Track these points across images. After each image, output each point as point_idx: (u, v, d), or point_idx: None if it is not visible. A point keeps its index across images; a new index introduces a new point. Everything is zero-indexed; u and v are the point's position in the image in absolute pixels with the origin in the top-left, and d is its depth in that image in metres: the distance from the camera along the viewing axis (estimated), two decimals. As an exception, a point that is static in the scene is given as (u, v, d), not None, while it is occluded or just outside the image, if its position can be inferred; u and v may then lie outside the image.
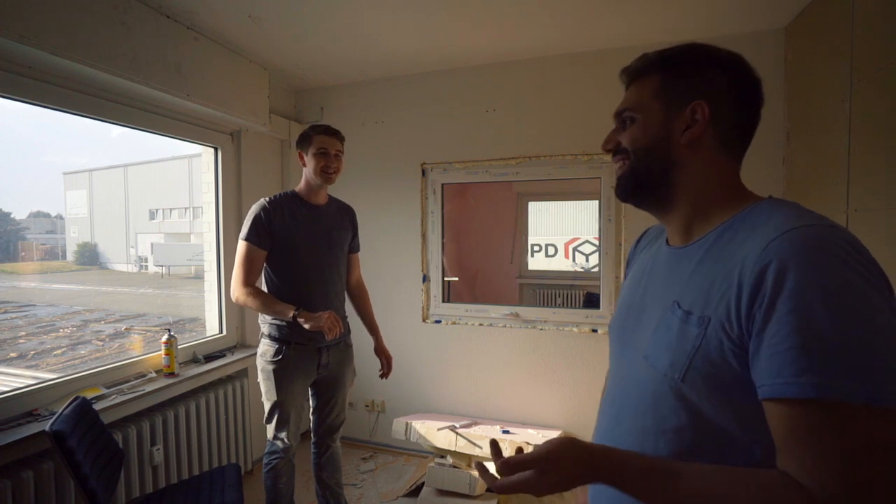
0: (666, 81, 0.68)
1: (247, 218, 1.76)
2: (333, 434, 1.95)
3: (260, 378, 1.79)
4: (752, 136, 0.68)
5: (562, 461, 0.57)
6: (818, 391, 0.47)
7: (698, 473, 0.54)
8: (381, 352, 2.05)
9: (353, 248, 2.03)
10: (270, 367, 1.74)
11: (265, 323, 1.79)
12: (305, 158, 1.79)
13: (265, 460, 1.82)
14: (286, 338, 1.75)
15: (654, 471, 0.56)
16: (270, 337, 1.77)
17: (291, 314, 1.64)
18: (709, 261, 0.62)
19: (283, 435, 1.77)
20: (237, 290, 1.72)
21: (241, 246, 1.74)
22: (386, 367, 2.02)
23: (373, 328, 2.09)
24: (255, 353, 1.83)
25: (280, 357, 1.74)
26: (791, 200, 0.62)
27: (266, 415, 1.79)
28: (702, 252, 0.64)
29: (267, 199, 1.78)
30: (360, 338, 2.87)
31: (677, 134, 0.66)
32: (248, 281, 1.72)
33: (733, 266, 0.57)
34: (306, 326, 1.61)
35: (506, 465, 0.58)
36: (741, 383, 0.55)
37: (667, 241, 0.75)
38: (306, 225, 1.79)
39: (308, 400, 1.93)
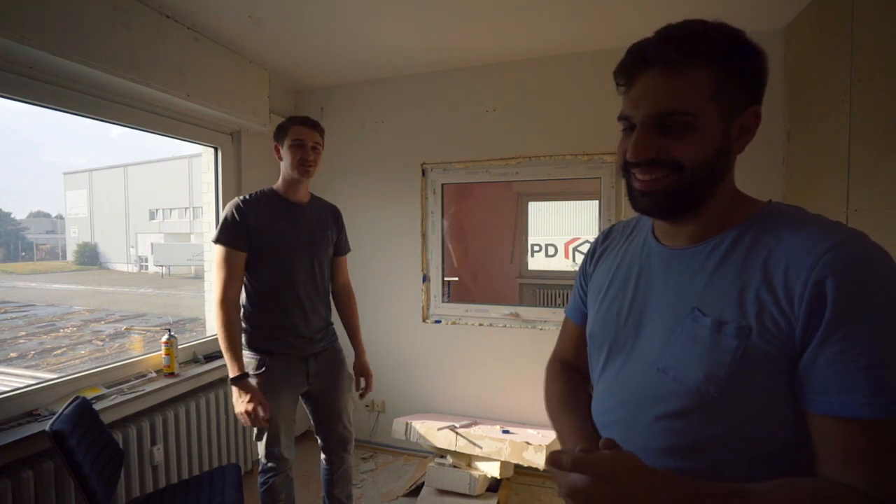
0: (721, 78, 0.57)
1: (221, 217, 1.64)
2: (346, 447, 1.85)
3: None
4: None
5: (622, 479, 0.49)
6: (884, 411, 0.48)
7: (766, 492, 0.51)
8: (362, 370, 1.90)
9: (340, 249, 1.89)
10: (254, 382, 1.60)
11: (244, 332, 1.66)
12: (282, 151, 1.68)
13: (260, 479, 1.69)
14: (269, 348, 1.64)
15: (726, 495, 0.50)
16: (251, 348, 1.64)
17: (234, 375, 1.54)
18: (732, 266, 0.59)
19: (276, 451, 1.66)
20: (216, 307, 1.58)
21: (217, 249, 1.60)
22: (365, 387, 1.89)
23: (356, 341, 1.94)
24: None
25: (263, 370, 1.62)
26: (792, 205, 0.62)
27: (255, 432, 1.67)
28: (718, 255, 0.61)
29: (241, 197, 1.66)
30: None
31: (733, 142, 0.59)
32: (229, 294, 1.58)
33: (770, 275, 0.55)
34: (235, 396, 1.54)
35: (562, 458, 0.51)
36: (779, 393, 0.55)
37: (656, 239, 0.70)
38: (285, 224, 1.67)
39: (296, 411, 1.81)
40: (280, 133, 1.69)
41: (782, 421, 0.55)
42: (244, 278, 1.65)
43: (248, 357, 1.64)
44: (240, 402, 1.54)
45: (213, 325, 2.51)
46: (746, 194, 0.66)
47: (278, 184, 1.72)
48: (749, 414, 0.56)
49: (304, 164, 1.65)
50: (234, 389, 1.55)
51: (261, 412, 1.54)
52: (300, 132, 1.65)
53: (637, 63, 0.60)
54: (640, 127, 0.60)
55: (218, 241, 1.59)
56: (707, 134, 0.57)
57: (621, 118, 0.64)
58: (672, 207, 0.62)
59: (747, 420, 0.56)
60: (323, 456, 1.86)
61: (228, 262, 1.59)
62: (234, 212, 1.61)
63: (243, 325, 1.66)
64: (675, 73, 0.57)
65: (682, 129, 0.58)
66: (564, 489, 0.51)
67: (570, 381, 0.84)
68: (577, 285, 0.86)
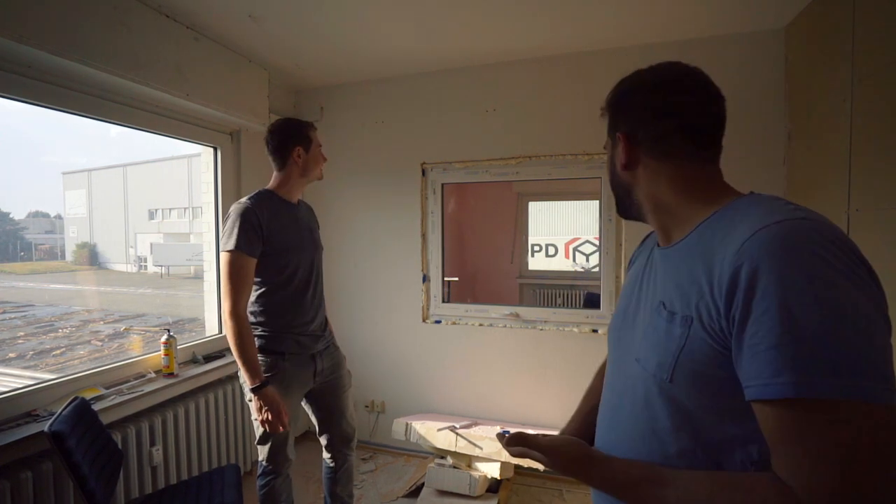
0: (609, 120, 0.77)
1: (230, 223, 1.54)
2: (350, 443, 1.85)
3: (250, 397, 1.57)
4: (702, 134, 0.68)
5: (562, 457, 0.68)
6: (796, 390, 0.47)
7: (686, 480, 0.57)
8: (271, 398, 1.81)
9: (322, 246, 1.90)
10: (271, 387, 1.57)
11: (255, 336, 1.62)
12: (304, 156, 1.66)
13: (260, 482, 1.66)
14: (280, 349, 1.62)
15: (644, 480, 0.60)
16: (261, 350, 1.60)
17: (254, 385, 1.51)
18: (689, 259, 0.63)
19: (283, 453, 1.65)
20: (228, 318, 1.50)
21: (230, 257, 1.50)
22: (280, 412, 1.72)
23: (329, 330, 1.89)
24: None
25: (275, 371, 1.60)
26: (771, 195, 0.61)
27: (260, 436, 1.63)
28: (684, 251, 0.65)
29: (247, 200, 1.58)
30: (355, 338, 2.88)
31: (618, 163, 0.74)
32: (242, 304, 1.52)
33: (710, 266, 0.57)
34: (257, 405, 1.51)
35: (519, 439, 0.72)
36: (729, 382, 0.54)
37: (658, 242, 0.76)
38: (290, 225, 1.65)
39: (305, 408, 1.83)
40: (301, 137, 1.66)
41: (739, 412, 0.55)
42: (254, 280, 1.62)
43: (259, 359, 1.61)
44: (263, 411, 1.51)
45: (212, 326, 2.52)
46: (729, 188, 0.68)
47: (276, 184, 1.69)
48: (703, 403, 0.58)
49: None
50: (255, 399, 1.52)
51: (284, 420, 1.54)
52: (318, 137, 1.71)
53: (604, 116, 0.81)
54: None
55: (238, 247, 1.50)
56: (608, 161, 0.79)
57: None
58: (619, 212, 0.81)
59: (701, 408, 0.58)
60: (326, 454, 1.86)
61: (242, 271, 1.52)
62: (249, 216, 1.53)
63: (254, 328, 1.63)
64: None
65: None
66: (523, 455, 0.72)
67: (600, 374, 0.96)
68: None
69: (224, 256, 1.53)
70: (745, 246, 0.53)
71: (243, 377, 1.56)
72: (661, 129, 0.69)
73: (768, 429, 0.51)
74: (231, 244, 1.51)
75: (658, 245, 0.75)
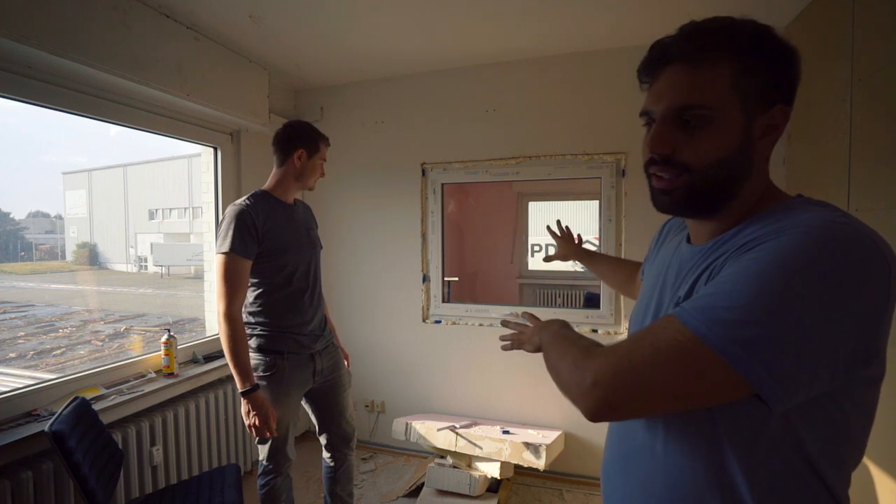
0: (744, 73, 0.55)
1: (225, 225, 1.53)
2: (349, 442, 1.86)
3: None
4: None
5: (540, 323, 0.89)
6: (678, 311, 0.52)
7: (573, 336, 0.69)
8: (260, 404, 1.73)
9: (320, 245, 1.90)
10: (263, 384, 1.59)
11: (251, 335, 1.62)
12: (304, 161, 1.66)
13: (260, 481, 1.67)
14: (279, 348, 1.62)
15: (562, 331, 0.74)
16: (260, 349, 1.61)
17: (244, 389, 1.50)
18: (714, 254, 0.59)
19: (283, 452, 1.66)
20: (222, 320, 1.50)
21: (225, 260, 1.50)
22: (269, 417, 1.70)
23: (330, 324, 1.90)
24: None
25: (273, 371, 1.60)
26: (820, 201, 0.57)
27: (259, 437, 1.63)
28: (716, 251, 0.60)
29: (244, 202, 1.57)
30: (355, 338, 2.88)
31: (755, 140, 0.57)
32: (236, 306, 1.52)
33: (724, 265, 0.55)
34: (245, 409, 1.51)
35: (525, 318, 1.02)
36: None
37: (688, 238, 0.70)
38: (287, 226, 1.65)
39: (305, 408, 1.83)
40: (309, 142, 1.67)
41: (749, 405, 0.54)
42: (251, 281, 1.61)
43: (258, 359, 1.61)
44: (251, 416, 1.52)
45: (213, 326, 2.52)
46: (779, 191, 0.63)
47: (272, 185, 1.69)
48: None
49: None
50: (244, 402, 1.52)
51: (272, 425, 1.54)
52: (326, 153, 1.75)
53: (659, 59, 0.60)
54: (659, 120, 0.60)
55: (233, 249, 1.50)
56: (726, 129, 0.56)
57: (643, 113, 0.63)
58: (690, 206, 0.61)
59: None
60: (326, 454, 1.86)
61: (237, 273, 1.51)
62: (245, 218, 1.53)
63: (252, 328, 1.63)
64: (696, 69, 0.56)
65: (700, 123, 0.57)
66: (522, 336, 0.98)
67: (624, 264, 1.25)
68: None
69: (219, 259, 1.52)
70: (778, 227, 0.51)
71: (251, 362, 1.57)
72: (787, 113, 0.58)
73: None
74: (226, 246, 1.50)
75: (688, 240, 0.69)
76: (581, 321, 2.50)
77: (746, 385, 0.46)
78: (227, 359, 1.52)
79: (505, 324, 1.07)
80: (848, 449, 0.55)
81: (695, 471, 0.56)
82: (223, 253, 1.51)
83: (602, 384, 0.52)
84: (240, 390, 1.52)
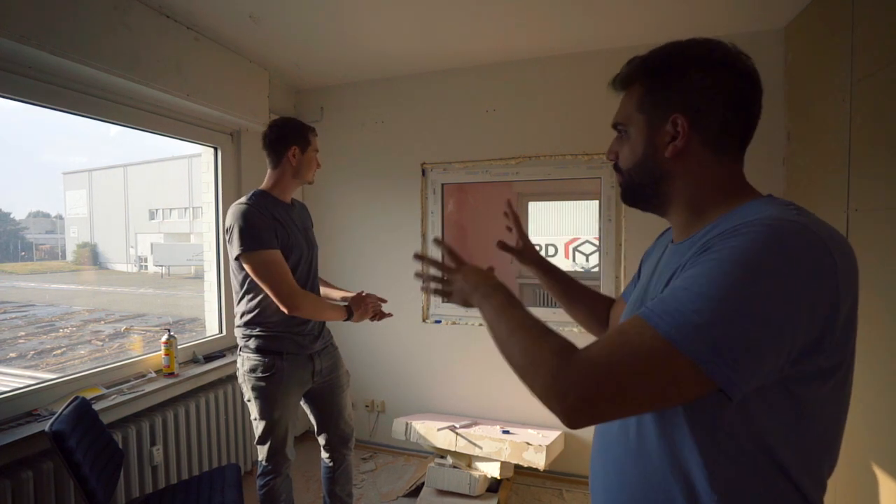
0: (648, 92, 0.67)
1: (236, 228, 1.52)
2: (348, 443, 1.86)
3: (249, 397, 1.63)
4: (750, 132, 0.65)
5: (472, 270, 0.83)
6: (646, 313, 0.53)
7: (524, 316, 0.65)
8: (355, 297, 1.79)
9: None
10: (263, 385, 1.59)
11: (249, 336, 1.63)
12: (299, 157, 1.65)
13: (260, 482, 1.67)
14: (278, 349, 1.62)
15: (509, 301, 0.70)
16: (259, 350, 1.61)
17: (346, 313, 1.68)
18: (686, 251, 0.62)
19: (282, 452, 1.66)
20: (295, 308, 1.54)
21: (265, 255, 1.52)
22: (375, 298, 1.80)
23: (337, 289, 1.93)
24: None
25: (272, 372, 1.60)
26: (789, 200, 0.61)
27: (259, 436, 1.64)
28: (691, 250, 0.63)
29: (247, 200, 1.58)
30: (355, 338, 2.88)
31: (662, 147, 0.65)
32: (294, 296, 1.54)
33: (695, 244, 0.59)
34: (359, 318, 1.70)
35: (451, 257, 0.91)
36: None
37: (672, 239, 0.75)
38: (287, 226, 1.64)
39: (304, 408, 1.84)
40: (300, 138, 1.66)
41: (722, 404, 0.56)
42: (249, 285, 1.61)
43: (257, 360, 1.61)
44: (369, 312, 1.74)
45: (213, 326, 2.52)
46: (751, 189, 0.66)
47: (270, 185, 1.68)
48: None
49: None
50: (356, 314, 1.70)
51: (378, 304, 1.77)
52: (317, 143, 1.73)
53: (616, 85, 0.73)
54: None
55: (259, 246, 1.51)
56: (635, 140, 0.69)
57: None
58: (631, 200, 0.74)
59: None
60: (324, 454, 1.87)
61: (272, 264, 1.53)
62: (254, 213, 1.54)
63: (251, 328, 1.64)
64: (626, 93, 0.71)
65: (624, 136, 0.71)
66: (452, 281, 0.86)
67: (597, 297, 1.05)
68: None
69: (245, 261, 1.52)
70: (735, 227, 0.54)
71: (250, 363, 1.64)
72: (732, 119, 0.63)
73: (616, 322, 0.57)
74: (247, 246, 1.51)
75: (672, 242, 0.73)
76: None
77: (713, 383, 0.50)
78: (325, 316, 1.68)
79: (419, 258, 0.93)
80: (815, 445, 0.57)
81: (660, 455, 0.60)
82: (247, 254, 1.51)
83: (588, 398, 0.53)
84: (344, 318, 1.69)
